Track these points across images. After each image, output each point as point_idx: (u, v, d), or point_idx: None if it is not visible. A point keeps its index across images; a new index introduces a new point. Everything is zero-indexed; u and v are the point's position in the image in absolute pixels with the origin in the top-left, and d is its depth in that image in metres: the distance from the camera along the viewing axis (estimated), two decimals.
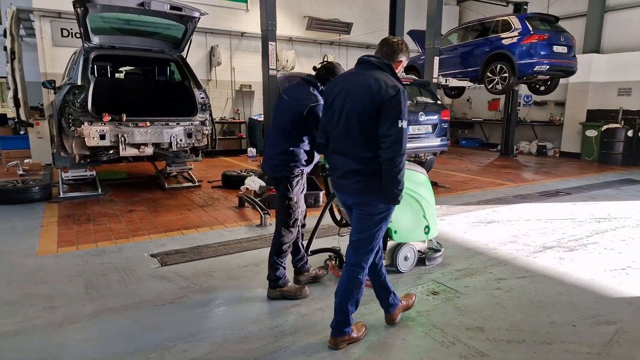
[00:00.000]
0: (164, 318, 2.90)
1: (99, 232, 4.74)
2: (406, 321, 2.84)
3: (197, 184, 7.19)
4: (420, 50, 10.12)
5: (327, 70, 3.00)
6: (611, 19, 10.62)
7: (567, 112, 11.14)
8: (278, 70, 7.83)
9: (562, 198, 6.56)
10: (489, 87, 8.74)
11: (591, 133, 10.21)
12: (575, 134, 10.87)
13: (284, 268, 3.14)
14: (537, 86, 9.43)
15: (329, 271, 3.54)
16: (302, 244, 3.34)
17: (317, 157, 3.12)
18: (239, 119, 11.97)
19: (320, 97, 2.93)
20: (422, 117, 6.90)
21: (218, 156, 10.74)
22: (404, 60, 2.48)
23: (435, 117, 7.05)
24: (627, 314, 2.93)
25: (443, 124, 7.16)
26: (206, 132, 6.42)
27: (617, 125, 9.83)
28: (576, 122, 10.81)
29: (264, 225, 4.93)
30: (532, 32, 8.06)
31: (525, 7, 10.29)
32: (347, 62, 12.52)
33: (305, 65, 12.79)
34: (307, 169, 3.07)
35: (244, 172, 7.33)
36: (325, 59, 13.17)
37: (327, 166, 3.52)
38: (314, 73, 3.10)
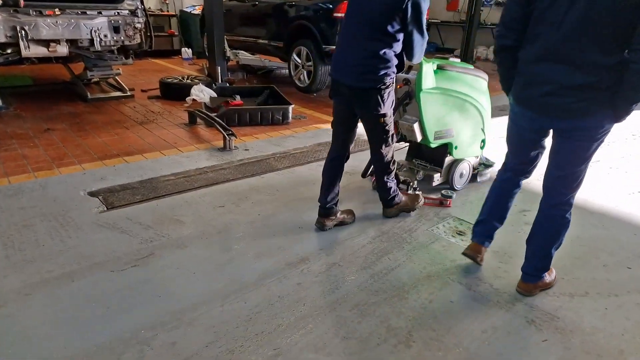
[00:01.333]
0: (130, 291, 2.12)
1: (8, 160, 3.59)
2: (445, 275, 2.33)
3: (128, 93, 5.87)
4: None
5: None
6: None
7: None
8: None
9: None
10: None
11: None
12: None
13: (394, 182, 2.83)
14: None
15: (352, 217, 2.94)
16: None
17: (407, 61, 2.50)
18: (167, 11, 10.05)
19: None
20: None
21: (146, 57, 9.05)
22: None
23: None
24: None
25: None
26: (138, 25, 5.02)
27: None
28: None
29: (229, 148, 4.03)
30: None
31: None
32: None
33: None
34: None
35: (186, 78, 6.08)
36: None
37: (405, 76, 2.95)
38: None
